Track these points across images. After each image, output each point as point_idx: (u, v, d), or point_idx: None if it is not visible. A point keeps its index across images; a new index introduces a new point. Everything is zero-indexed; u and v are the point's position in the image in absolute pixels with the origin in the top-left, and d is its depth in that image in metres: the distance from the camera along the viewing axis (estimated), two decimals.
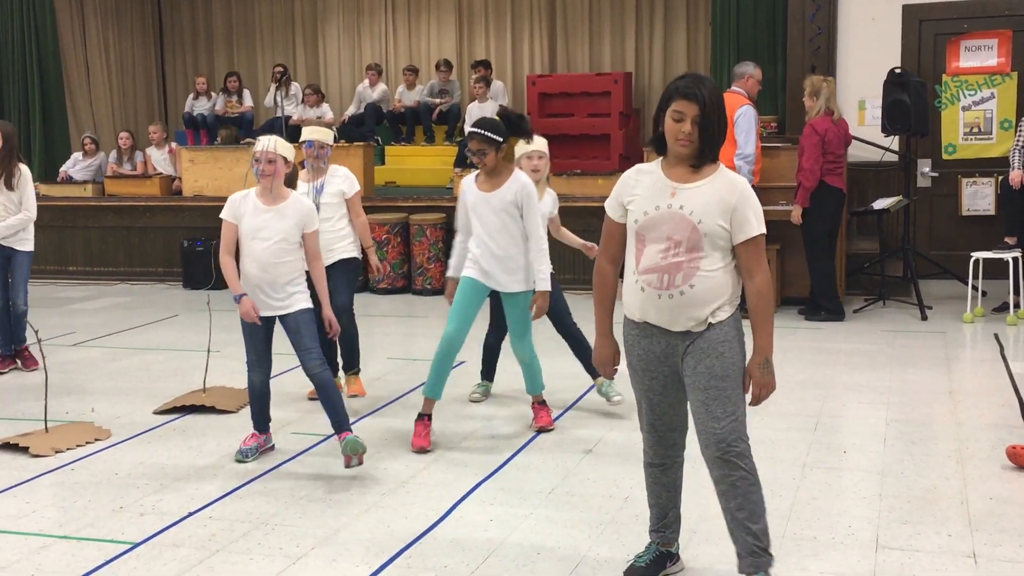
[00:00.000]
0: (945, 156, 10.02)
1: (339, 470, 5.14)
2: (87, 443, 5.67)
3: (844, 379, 6.76)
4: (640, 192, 3.51)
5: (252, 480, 5.05)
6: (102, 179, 12.10)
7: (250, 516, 4.59)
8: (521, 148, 6.03)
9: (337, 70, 14.67)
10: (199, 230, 11.26)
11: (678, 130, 3.40)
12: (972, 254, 8.54)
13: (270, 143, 5.03)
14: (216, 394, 6.44)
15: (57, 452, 5.51)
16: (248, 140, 12.19)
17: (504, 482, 4.97)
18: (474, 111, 11.84)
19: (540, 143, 6.05)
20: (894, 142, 9.52)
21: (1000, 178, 9.21)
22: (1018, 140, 8.74)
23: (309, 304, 5.16)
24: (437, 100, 12.78)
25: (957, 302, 8.74)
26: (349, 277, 6.28)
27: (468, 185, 5.61)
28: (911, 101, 8.77)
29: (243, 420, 6.07)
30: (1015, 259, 8.34)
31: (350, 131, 12.60)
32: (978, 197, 10.10)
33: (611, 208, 3.61)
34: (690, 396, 3.53)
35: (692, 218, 3.41)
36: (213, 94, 13.57)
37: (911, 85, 8.85)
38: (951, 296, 9.10)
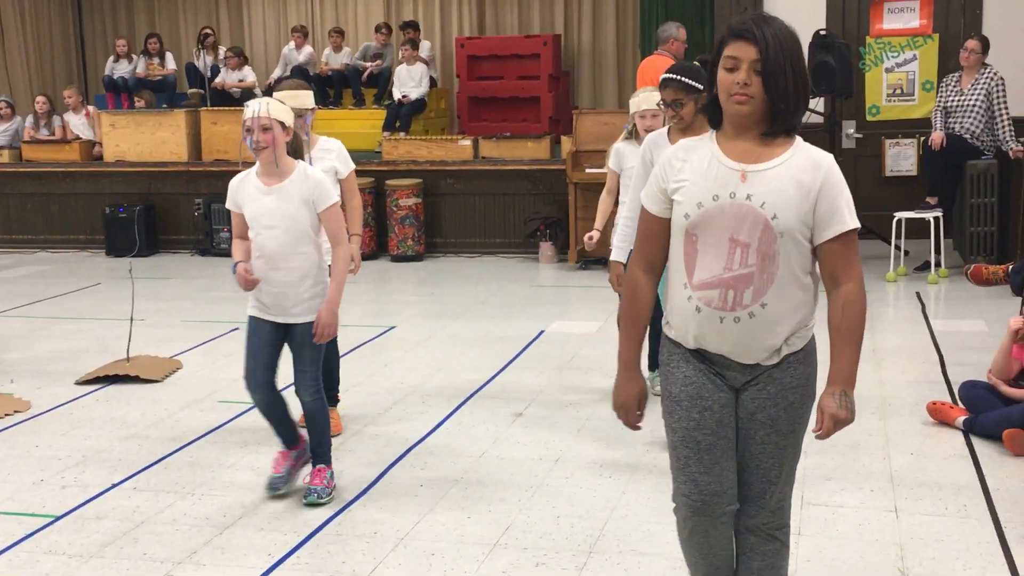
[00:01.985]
0: (869, 117, 10.13)
1: (266, 438, 5.07)
2: (6, 415, 5.53)
3: None
4: (690, 176, 2.65)
5: (178, 450, 4.97)
6: (19, 144, 11.75)
7: (175, 486, 4.52)
8: (634, 104, 5.21)
9: (262, 32, 14.39)
10: (121, 196, 11.02)
11: (732, 82, 2.57)
12: (895, 214, 8.67)
13: (261, 107, 4.14)
14: (140, 363, 6.32)
15: None
16: (189, 105, 11.93)
17: (435, 447, 4.96)
18: (402, 74, 11.72)
19: (654, 97, 4.98)
20: (819, 103, 9.60)
21: (922, 139, 9.35)
22: (939, 102, 8.88)
23: None
24: (368, 63, 12.60)
25: (880, 261, 8.88)
26: None
27: (661, 145, 4.60)
28: (836, 63, 8.85)
29: (168, 389, 5.99)
30: (936, 219, 8.49)
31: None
32: (901, 158, 10.25)
33: (650, 198, 2.74)
34: (738, 443, 2.78)
35: (764, 212, 2.57)
36: (134, 56, 13.24)
37: (836, 47, 8.92)
38: (875, 256, 9.24)
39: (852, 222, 2.62)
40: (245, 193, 4.24)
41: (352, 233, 5.03)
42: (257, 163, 4.24)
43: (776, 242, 2.58)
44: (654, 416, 4.74)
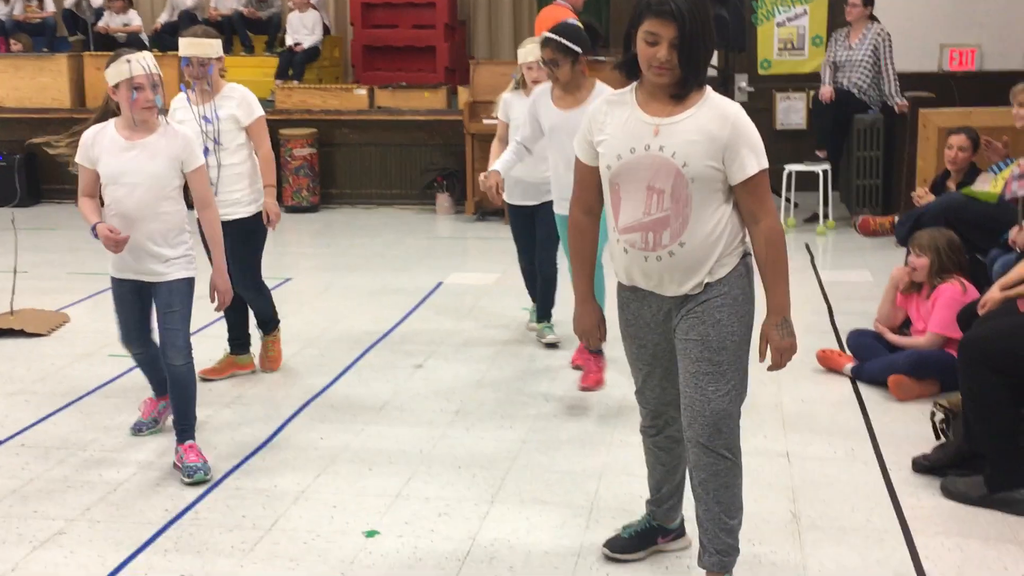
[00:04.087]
0: (761, 71, 10.30)
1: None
2: None
3: None
4: (611, 130, 2.93)
5: (67, 406, 4.84)
6: None
7: (66, 443, 4.41)
8: (521, 55, 5.37)
9: None
10: (1, 143, 10.59)
11: (652, 56, 2.81)
12: (785, 167, 8.84)
13: (147, 63, 3.87)
14: (25, 316, 6.12)
15: None
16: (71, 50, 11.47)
17: (334, 400, 4.92)
18: (294, 21, 11.46)
19: (535, 50, 5.15)
20: (713, 56, 9.71)
21: (812, 93, 9.54)
22: (828, 56, 9.06)
23: (190, 272, 4.07)
24: (254, 9, 12.28)
25: None
26: (250, 248, 4.95)
27: (544, 101, 4.88)
28: (729, 16, 8.94)
29: (55, 343, 5.81)
30: (825, 172, 8.69)
31: (163, 40, 11.98)
32: (791, 112, 10.45)
33: (580, 148, 3.03)
34: (680, 365, 3.01)
35: (675, 161, 2.83)
36: None
37: (730, 0, 9.02)
38: None
39: (758, 165, 2.88)
40: (102, 147, 3.97)
41: (266, 184, 4.92)
42: (117, 118, 4.00)
43: (687, 187, 2.85)
44: (542, 377, 4.80)
